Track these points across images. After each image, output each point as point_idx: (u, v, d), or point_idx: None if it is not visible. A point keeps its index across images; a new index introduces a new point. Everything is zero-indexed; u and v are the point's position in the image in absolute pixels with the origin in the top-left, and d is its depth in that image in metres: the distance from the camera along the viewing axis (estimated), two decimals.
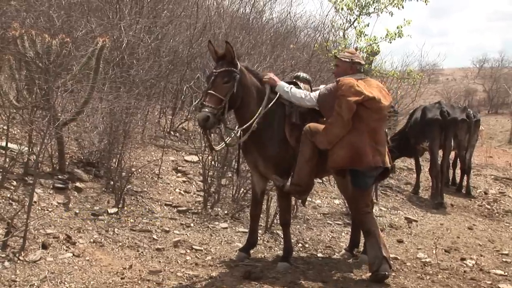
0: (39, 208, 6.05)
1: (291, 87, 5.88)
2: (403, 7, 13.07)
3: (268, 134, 5.79)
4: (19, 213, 5.48)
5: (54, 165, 6.94)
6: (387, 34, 12.84)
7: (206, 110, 5.22)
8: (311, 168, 5.73)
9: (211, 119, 5.22)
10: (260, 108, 5.74)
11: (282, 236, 6.47)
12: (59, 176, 6.80)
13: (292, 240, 6.44)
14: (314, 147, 5.66)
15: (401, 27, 12.76)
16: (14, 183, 6.24)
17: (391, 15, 13.28)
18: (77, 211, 6.31)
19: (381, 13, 13.31)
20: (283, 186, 5.78)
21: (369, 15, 13.45)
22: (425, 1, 13.21)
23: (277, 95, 5.84)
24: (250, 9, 14.60)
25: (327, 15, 14.54)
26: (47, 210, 6.09)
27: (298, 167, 5.70)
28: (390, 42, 12.95)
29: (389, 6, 13.15)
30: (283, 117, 5.87)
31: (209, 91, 5.34)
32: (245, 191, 7.92)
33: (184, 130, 10.86)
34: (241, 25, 13.56)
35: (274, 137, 5.81)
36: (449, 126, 10.43)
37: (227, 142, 6.00)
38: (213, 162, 7.85)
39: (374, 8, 13.36)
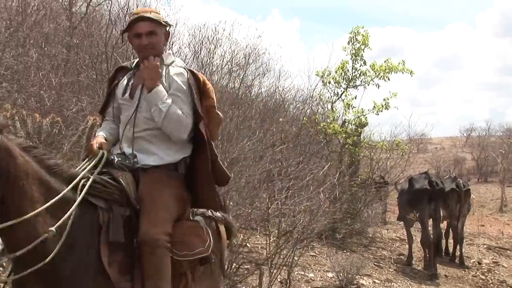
0: None
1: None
2: (389, 79, 13.35)
3: (68, 268, 3.00)
4: None
5: None
6: (374, 106, 13.11)
7: None
8: None
9: None
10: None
11: None
12: None
13: None
14: None
15: (388, 99, 13.04)
16: None
17: (378, 87, 13.54)
18: None
19: (368, 85, 13.57)
20: None
21: (356, 88, 13.70)
22: (411, 73, 13.51)
23: (82, 192, 3.08)
24: (239, 84, 14.81)
25: (314, 88, 14.79)
26: None
27: None
28: (378, 114, 13.21)
29: (376, 78, 13.42)
30: (95, 232, 3.14)
31: None
32: (237, 266, 7.83)
33: None
34: (231, 100, 13.72)
35: (80, 271, 3.04)
36: (438, 196, 10.45)
37: None
38: None
39: (361, 81, 13.63)
